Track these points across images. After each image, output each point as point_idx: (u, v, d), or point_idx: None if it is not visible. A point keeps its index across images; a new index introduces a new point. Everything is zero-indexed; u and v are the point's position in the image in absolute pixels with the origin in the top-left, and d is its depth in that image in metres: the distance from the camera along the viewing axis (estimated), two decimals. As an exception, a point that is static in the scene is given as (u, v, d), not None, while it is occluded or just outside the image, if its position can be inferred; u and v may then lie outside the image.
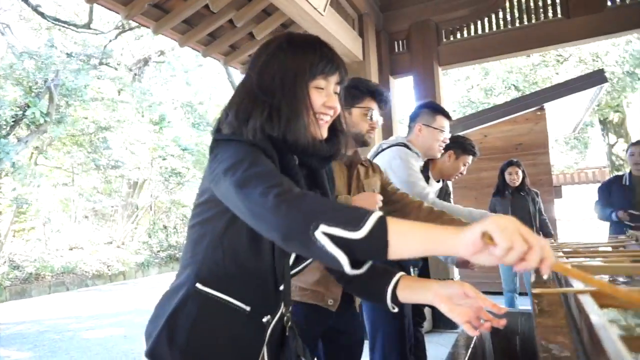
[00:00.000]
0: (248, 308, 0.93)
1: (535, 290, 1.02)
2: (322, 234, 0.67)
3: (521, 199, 3.92)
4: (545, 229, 3.92)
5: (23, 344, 4.88)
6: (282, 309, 1.00)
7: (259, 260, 0.91)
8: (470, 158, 2.49)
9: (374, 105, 1.64)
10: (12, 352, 4.59)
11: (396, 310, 0.96)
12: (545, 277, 1.18)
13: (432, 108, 2.09)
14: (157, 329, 0.90)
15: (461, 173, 2.52)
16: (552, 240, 1.85)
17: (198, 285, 0.91)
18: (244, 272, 0.92)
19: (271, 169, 0.81)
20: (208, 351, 0.90)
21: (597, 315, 0.66)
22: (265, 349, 0.97)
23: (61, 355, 4.40)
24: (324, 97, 0.94)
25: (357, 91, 1.61)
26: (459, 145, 2.45)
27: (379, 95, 1.65)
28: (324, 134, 0.96)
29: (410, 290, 0.94)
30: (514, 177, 3.88)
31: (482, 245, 0.62)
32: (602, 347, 0.51)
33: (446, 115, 2.09)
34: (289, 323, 1.01)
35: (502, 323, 0.81)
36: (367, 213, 0.68)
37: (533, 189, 4.08)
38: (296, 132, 0.89)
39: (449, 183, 2.79)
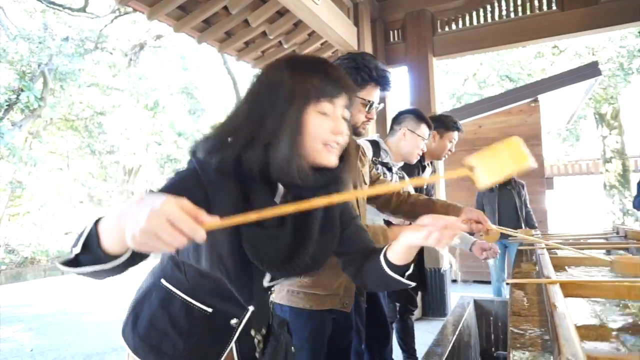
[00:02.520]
0: (210, 310, 0.95)
1: (510, 281, 1.07)
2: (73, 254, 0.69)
3: (507, 192, 3.99)
4: (530, 222, 4.00)
5: (19, 327, 4.94)
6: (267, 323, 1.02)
7: (217, 279, 0.90)
8: (455, 134, 2.55)
9: (375, 95, 1.48)
10: (8, 334, 4.65)
11: (407, 282, 0.93)
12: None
13: (418, 116, 2.13)
14: (128, 311, 0.98)
15: (450, 150, 2.58)
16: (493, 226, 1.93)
17: (162, 280, 0.97)
18: (205, 283, 0.93)
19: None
20: (164, 342, 0.94)
21: (560, 304, 0.70)
22: (234, 345, 0.98)
23: (57, 338, 4.46)
24: (331, 122, 0.87)
25: (358, 76, 1.43)
26: (441, 124, 2.52)
27: (384, 83, 1.48)
28: (335, 161, 0.89)
29: (395, 247, 0.91)
30: None
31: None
32: (557, 334, 0.56)
33: (429, 125, 2.15)
34: (277, 337, 1.04)
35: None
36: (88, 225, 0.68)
37: (519, 180, 4.13)
38: (279, 164, 0.83)
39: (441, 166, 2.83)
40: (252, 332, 0.99)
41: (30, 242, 9.61)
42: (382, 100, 1.59)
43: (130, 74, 12.96)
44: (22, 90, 9.26)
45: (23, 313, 5.64)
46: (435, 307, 4.10)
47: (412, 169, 2.36)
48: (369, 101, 1.46)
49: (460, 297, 2.86)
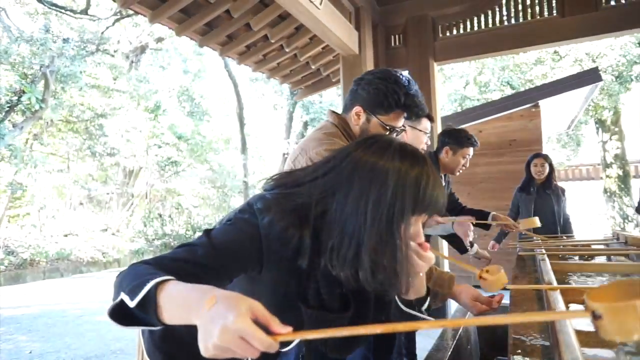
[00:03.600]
0: None
1: (511, 287, 1.07)
2: (121, 300, 0.67)
3: (546, 197, 3.73)
4: (568, 229, 3.74)
5: (17, 329, 4.93)
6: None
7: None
8: (469, 150, 2.44)
9: (400, 121, 1.43)
10: (7, 336, 4.63)
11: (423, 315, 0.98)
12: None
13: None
14: None
15: (464, 166, 2.48)
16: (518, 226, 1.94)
17: None
18: None
19: (206, 251, 0.78)
20: (180, 352, 0.94)
21: (560, 310, 0.70)
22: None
23: (55, 340, 4.45)
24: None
25: (385, 101, 1.38)
26: (453, 140, 2.43)
27: (411, 110, 1.41)
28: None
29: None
30: (540, 170, 3.72)
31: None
32: (557, 340, 0.56)
33: (429, 117, 2.08)
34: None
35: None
36: (147, 281, 0.65)
37: (560, 185, 3.89)
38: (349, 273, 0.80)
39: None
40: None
41: (29, 243, 9.59)
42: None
43: (131, 77, 12.99)
44: (23, 92, 9.28)
45: (22, 315, 5.62)
46: (435, 311, 4.08)
47: None
48: (390, 126, 1.41)
49: (460, 302, 2.84)
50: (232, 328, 0.56)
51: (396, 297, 0.95)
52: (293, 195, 0.84)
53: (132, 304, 0.64)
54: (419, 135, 2.03)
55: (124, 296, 0.66)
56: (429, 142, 2.11)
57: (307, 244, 0.81)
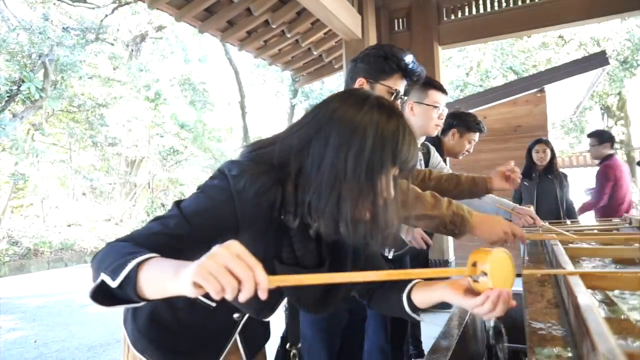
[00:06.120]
0: (214, 304, 0.93)
1: (526, 272, 1.03)
2: (101, 280, 0.65)
3: (548, 182, 3.73)
4: (571, 214, 3.75)
5: (22, 318, 4.94)
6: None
7: None
8: (476, 135, 2.40)
9: (402, 85, 1.47)
10: (12, 325, 4.65)
11: (419, 318, 0.94)
12: None
13: (422, 83, 1.83)
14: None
15: (467, 151, 2.44)
16: (543, 223, 1.83)
17: None
18: None
19: (178, 221, 0.77)
20: (165, 336, 0.94)
21: (585, 296, 0.66)
22: (238, 337, 0.98)
23: (60, 329, 4.46)
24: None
25: (385, 65, 1.43)
26: (462, 123, 2.38)
27: (410, 74, 1.47)
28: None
29: (423, 293, 0.92)
30: (542, 156, 3.72)
31: (196, 287, 0.56)
32: (587, 328, 0.52)
33: (439, 88, 1.88)
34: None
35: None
36: (128, 261, 0.64)
37: (562, 171, 3.89)
38: (333, 219, 0.79)
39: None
40: (287, 346, 1.01)
41: (33, 233, 9.62)
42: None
43: (131, 66, 12.89)
44: (22, 81, 9.21)
45: (26, 304, 5.64)
46: (439, 304, 4.06)
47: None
48: (395, 90, 1.44)
49: (466, 289, 2.81)
50: (223, 249, 0.56)
51: (404, 298, 0.93)
52: (266, 154, 0.83)
53: (114, 284, 0.63)
54: (427, 110, 1.83)
55: (104, 277, 0.64)
56: (443, 117, 1.88)
57: (281, 201, 0.81)
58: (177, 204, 0.80)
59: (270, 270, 0.82)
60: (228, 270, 0.54)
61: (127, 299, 0.65)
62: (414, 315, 0.93)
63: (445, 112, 1.89)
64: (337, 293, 0.93)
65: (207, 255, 0.56)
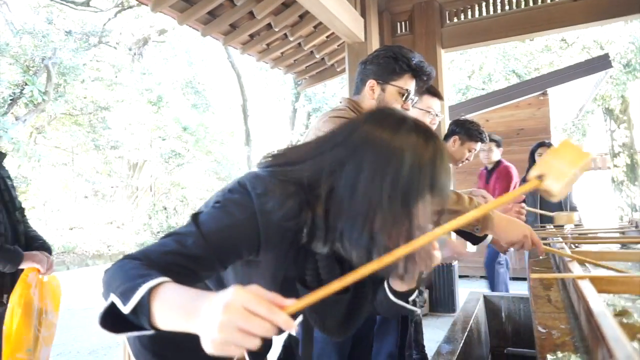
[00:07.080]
0: None
1: (534, 275, 1.02)
2: (111, 302, 0.63)
3: None
4: (573, 210, 3.70)
5: (24, 322, 4.93)
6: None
7: None
8: (477, 144, 2.40)
9: (412, 85, 1.47)
10: (13, 329, 4.64)
11: (416, 309, 0.96)
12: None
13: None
14: None
15: (467, 159, 2.44)
16: (547, 226, 1.82)
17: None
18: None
19: (196, 240, 0.73)
20: (169, 350, 0.91)
21: (597, 301, 0.65)
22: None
23: (62, 333, 4.45)
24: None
25: (396, 65, 1.43)
26: (464, 131, 2.37)
27: (420, 74, 1.47)
28: None
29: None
30: None
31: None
32: (602, 334, 0.51)
33: (433, 93, 1.90)
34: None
35: None
36: (139, 285, 0.60)
37: None
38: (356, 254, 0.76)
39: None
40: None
41: (35, 237, 9.62)
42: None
43: (134, 69, 12.93)
44: (25, 85, 9.25)
45: (28, 308, 5.63)
46: (443, 303, 4.05)
47: None
48: (406, 90, 1.46)
49: (469, 293, 2.80)
50: (234, 301, 0.52)
51: (386, 287, 0.93)
52: (294, 173, 0.78)
53: (125, 309, 0.60)
54: (419, 115, 1.86)
55: (114, 298, 0.61)
56: (436, 123, 1.90)
57: (311, 225, 0.77)
58: (194, 218, 0.76)
59: (291, 291, 0.81)
60: (246, 332, 0.51)
61: (139, 325, 0.62)
62: (402, 304, 0.93)
63: (439, 118, 1.92)
64: (359, 316, 0.92)
65: (220, 309, 0.52)
